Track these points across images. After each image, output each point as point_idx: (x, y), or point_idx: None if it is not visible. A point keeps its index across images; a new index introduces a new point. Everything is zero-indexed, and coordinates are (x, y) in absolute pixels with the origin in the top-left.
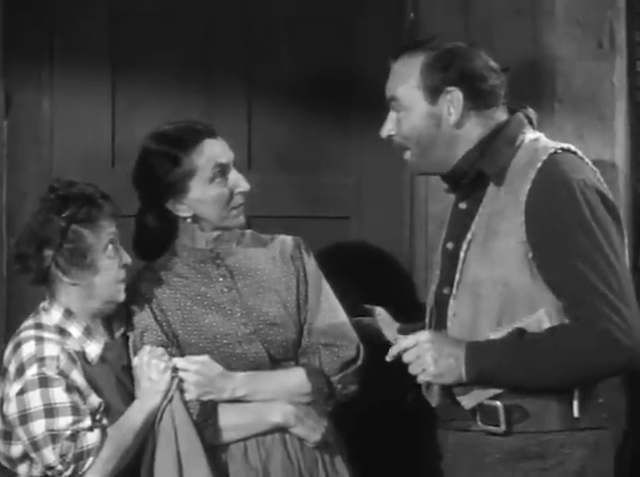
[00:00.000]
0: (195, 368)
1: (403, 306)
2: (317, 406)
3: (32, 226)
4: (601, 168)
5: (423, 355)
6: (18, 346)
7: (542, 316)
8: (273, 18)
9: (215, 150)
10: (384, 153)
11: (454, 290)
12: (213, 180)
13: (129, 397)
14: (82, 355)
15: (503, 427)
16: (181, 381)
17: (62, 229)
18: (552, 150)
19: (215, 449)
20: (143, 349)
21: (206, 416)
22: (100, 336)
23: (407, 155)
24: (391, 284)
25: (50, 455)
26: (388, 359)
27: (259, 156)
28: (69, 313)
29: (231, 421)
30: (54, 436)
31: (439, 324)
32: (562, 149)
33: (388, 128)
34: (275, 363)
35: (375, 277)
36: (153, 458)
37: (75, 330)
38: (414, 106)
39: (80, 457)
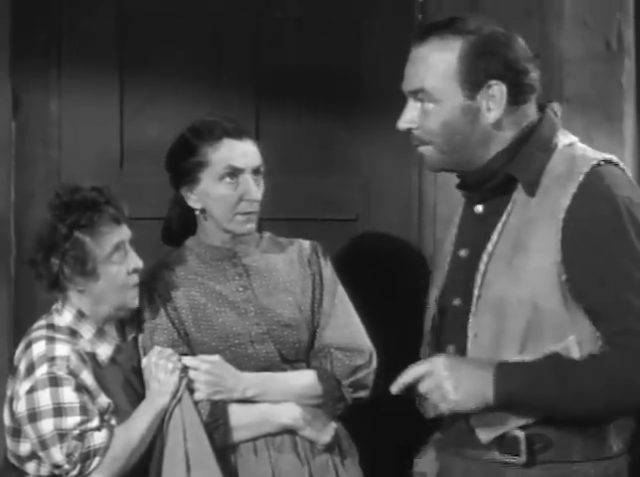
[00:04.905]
0: (206, 367)
1: (412, 307)
2: (327, 409)
3: (40, 232)
4: None
5: (441, 383)
6: (29, 345)
7: (571, 343)
8: (281, 18)
9: (232, 151)
10: (392, 154)
11: (473, 307)
12: (222, 179)
13: (138, 398)
14: (93, 356)
15: (524, 458)
16: (190, 380)
17: (64, 236)
18: (594, 162)
19: (224, 449)
20: (152, 350)
21: (216, 416)
22: (112, 338)
23: (429, 150)
24: (399, 286)
25: (57, 454)
26: (393, 390)
27: (266, 157)
28: (80, 315)
29: (240, 421)
30: (61, 435)
31: (449, 338)
32: (605, 161)
33: (408, 119)
34: (286, 364)
35: (383, 279)
36: (162, 458)
37: (86, 332)
38: (449, 99)
39: (86, 457)
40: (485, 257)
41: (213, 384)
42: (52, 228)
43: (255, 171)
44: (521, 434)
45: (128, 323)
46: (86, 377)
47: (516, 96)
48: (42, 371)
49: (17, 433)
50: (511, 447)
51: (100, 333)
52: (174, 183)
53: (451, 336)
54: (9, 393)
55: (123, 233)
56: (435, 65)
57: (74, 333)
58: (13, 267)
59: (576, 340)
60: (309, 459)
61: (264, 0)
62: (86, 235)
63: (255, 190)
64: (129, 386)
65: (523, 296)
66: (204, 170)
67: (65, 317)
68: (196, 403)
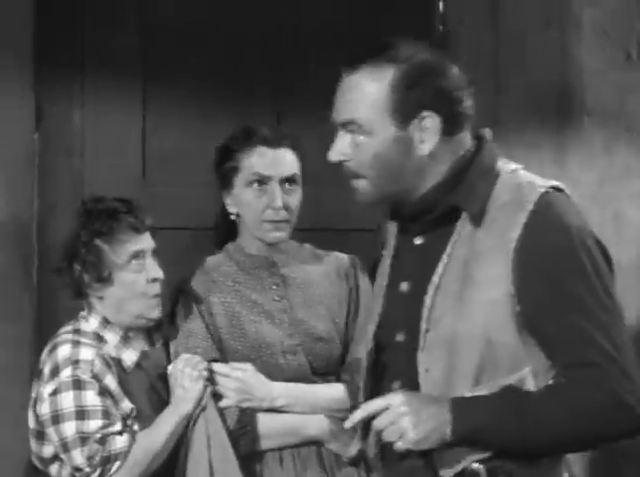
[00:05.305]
0: (236, 375)
1: None
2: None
3: (65, 241)
4: (629, 180)
5: (399, 420)
6: (54, 348)
7: (526, 375)
8: (302, 30)
9: (262, 158)
10: None
11: (422, 342)
12: (250, 185)
13: (163, 404)
14: (118, 361)
15: None
16: (214, 386)
17: (85, 243)
18: (542, 189)
19: (250, 458)
20: (180, 357)
21: (244, 423)
22: (138, 344)
23: (362, 184)
24: None
25: (78, 457)
26: (347, 425)
27: None
28: (106, 321)
29: (268, 430)
30: (83, 439)
31: (394, 374)
32: (553, 188)
33: (339, 151)
34: (317, 376)
35: None
36: (186, 467)
37: (111, 337)
38: (380, 131)
39: (107, 461)
40: (431, 291)
41: (243, 391)
42: (75, 235)
43: (288, 180)
44: (481, 468)
45: (156, 330)
46: (110, 381)
47: (450, 127)
48: (66, 373)
49: (41, 436)
50: None
51: (126, 339)
52: (218, 186)
53: (396, 372)
54: (33, 395)
55: (143, 242)
56: (366, 95)
57: (99, 338)
58: (36, 276)
59: (531, 371)
60: (334, 472)
61: (285, 10)
62: (105, 242)
63: (280, 198)
64: (154, 392)
65: (475, 330)
66: (237, 175)
67: (91, 323)
68: (221, 412)
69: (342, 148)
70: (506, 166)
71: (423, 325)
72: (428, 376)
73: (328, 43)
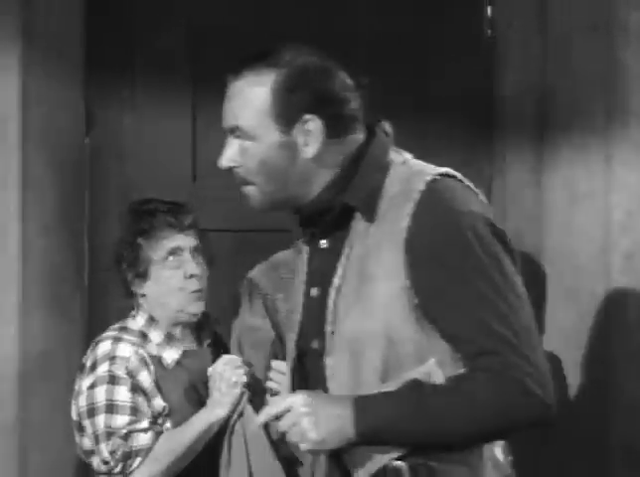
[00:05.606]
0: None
1: None
2: None
3: (115, 242)
4: None
5: (299, 421)
6: (97, 344)
7: (432, 367)
8: (352, 34)
9: None
10: (461, 168)
11: (327, 346)
12: None
13: (202, 404)
14: (158, 359)
15: None
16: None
17: (128, 242)
18: (428, 177)
19: (294, 462)
20: (222, 358)
21: None
22: (181, 343)
23: (252, 190)
24: None
25: (104, 450)
26: (256, 426)
27: None
28: (152, 320)
29: None
30: (110, 433)
31: (307, 383)
32: (441, 175)
33: (229, 158)
34: None
35: None
36: (227, 473)
37: (156, 336)
38: (265, 137)
39: (128, 456)
40: (333, 293)
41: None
42: (122, 236)
43: None
44: (403, 465)
45: (204, 328)
46: (145, 378)
47: (334, 129)
48: (103, 368)
49: (81, 428)
50: None
51: (170, 337)
52: None
53: (316, 380)
54: (76, 388)
55: (182, 240)
56: (249, 100)
57: (144, 336)
58: (87, 279)
59: (437, 362)
60: None
61: (335, 14)
62: (145, 239)
63: None
64: (194, 391)
65: (376, 328)
66: None
67: (138, 321)
68: None
69: (231, 155)
70: (398, 157)
71: (328, 328)
72: (335, 380)
73: (377, 48)
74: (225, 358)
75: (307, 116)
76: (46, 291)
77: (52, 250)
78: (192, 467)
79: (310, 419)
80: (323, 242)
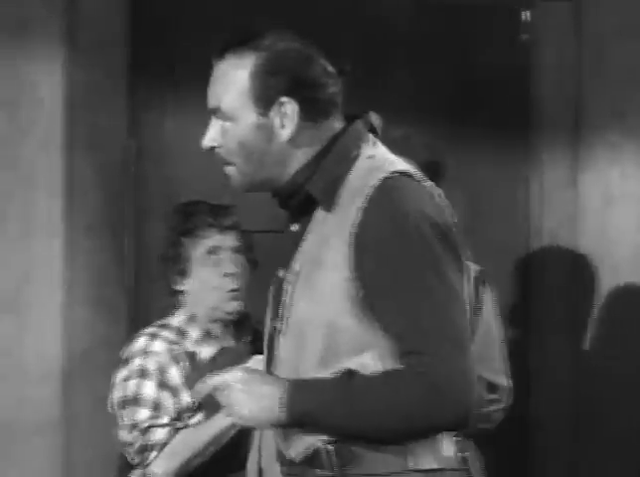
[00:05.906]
0: None
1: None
2: None
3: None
4: None
5: (232, 395)
6: (135, 339)
7: (366, 360)
8: (386, 40)
9: None
10: (496, 168)
11: (283, 328)
12: None
13: None
14: (193, 356)
15: (337, 473)
16: None
17: (171, 241)
18: (383, 174)
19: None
20: (251, 358)
21: None
22: (219, 341)
23: (232, 171)
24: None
25: (128, 442)
26: (194, 399)
27: None
28: (192, 317)
29: None
30: (133, 425)
31: (270, 362)
32: (398, 172)
33: (211, 138)
34: None
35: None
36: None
37: (194, 332)
38: (243, 118)
39: (144, 449)
40: (290, 277)
41: None
42: (166, 236)
43: None
44: (331, 448)
45: (243, 326)
46: (174, 375)
47: (311, 113)
48: (136, 362)
49: (117, 419)
50: (322, 462)
51: (208, 334)
52: None
53: (275, 360)
54: (113, 380)
55: (221, 240)
56: (230, 82)
57: (182, 333)
58: (130, 280)
59: (372, 356)
60: None
61: (369, 18)
62: (186, 238)
63: None
64: None
65: (319, 315)
66: None
67: (177, 318)
68: None
69: (212, 135)
70: (367, 151)
71: (284, 312)
72: (283, 362)
73: (415, 49)
74: (254, 358)
75: (284, 99)
76: (90, 291)
77: (96, 251)
78: (213, 463)
79: (243, 396)
80: (294, 226)
